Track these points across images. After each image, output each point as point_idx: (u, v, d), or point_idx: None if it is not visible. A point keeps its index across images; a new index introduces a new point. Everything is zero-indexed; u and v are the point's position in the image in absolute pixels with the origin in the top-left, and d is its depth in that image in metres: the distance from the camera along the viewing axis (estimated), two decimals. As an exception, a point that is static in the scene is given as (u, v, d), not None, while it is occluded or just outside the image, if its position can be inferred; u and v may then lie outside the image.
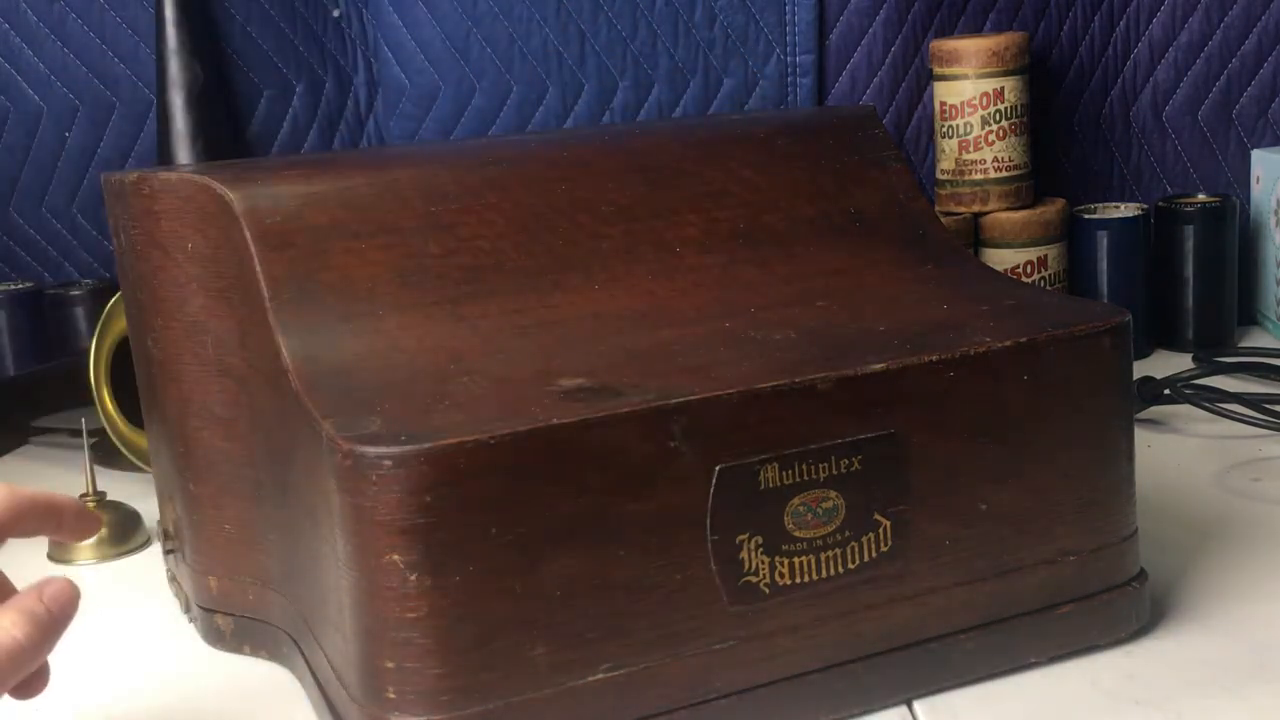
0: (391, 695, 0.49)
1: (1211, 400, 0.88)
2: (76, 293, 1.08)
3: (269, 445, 0.58)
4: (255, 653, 0.64)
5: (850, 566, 0.54)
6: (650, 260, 0.61)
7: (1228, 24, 1.11)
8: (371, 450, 0.47)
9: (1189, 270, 1.06)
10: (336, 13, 1.08)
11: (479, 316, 0.57)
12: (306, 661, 0.59)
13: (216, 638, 0.65)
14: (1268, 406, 0.84)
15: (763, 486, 0.52)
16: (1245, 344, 1.06)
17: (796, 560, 0.53)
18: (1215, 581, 0.65)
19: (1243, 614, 0.62)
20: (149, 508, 0.82)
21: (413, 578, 0.48)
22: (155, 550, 0.79)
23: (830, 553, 0.53)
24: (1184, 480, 0.79)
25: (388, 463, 0.47)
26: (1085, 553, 0.58)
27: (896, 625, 0.55)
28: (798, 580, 0.53)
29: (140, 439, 0.90)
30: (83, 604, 0.72)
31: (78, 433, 0.81)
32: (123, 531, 0.79)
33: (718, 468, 0.51)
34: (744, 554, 0.52)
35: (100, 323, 0.87)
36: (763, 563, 0.52)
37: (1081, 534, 0.58)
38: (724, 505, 0.51)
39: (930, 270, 0.64)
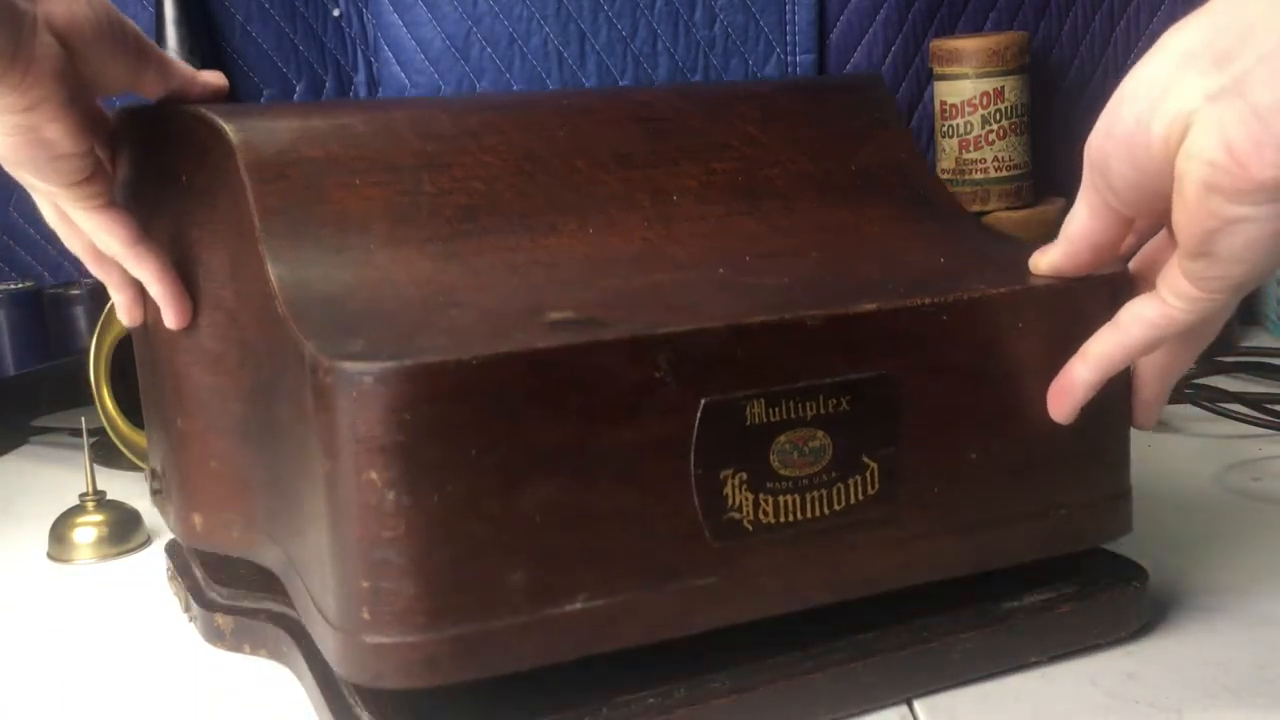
0: (367, 616, 0.48)
1: (1211, 400, 0.88)
2: (76, 293, 1.08)
3: (257, 379, 0.58)
4: (255, 652, 0.64)
5: (836, 508, 0.53)
6: (647, 208, 0.61)
7: (1228, 24, 1.10)
8: (351, 367, 0.47)
9: (1189, 270, 1.06)
10: (336, 12, 1.08)
11: (471, 254, 0.57)
12: (303, 655, 0.59)
13: (216, 637, 0.65)
14: (1268, 406, 0.84)
15: (749, 422, 0.51)
16: (1245, 344, 1.06)
17: (781, 499, 0.52)
18: (1216, 581, 0.65)
19: (1243, 613, 0.62)
20: (149, 507, 0.82)
21: (390, 496, 0.47)
22: (155, 550, 0.79)
23: (816, 493, 0.53)
24: (1184, 480, 0.79)
25: (368, 379, 0.47)
26: (1076, 506, 0.58)
27: (881, 571, 0.55)
28: (782, 519, 0.52)
29: (140, 439, 0.90)
30: (83, 604, 0.72)
31: (78, 433, 0.81)
32: (123, 531, 0.79)
33: (703, 401, 0.50)
34: (728, 490, 0.51)
35: (100, 323, 0.87)
36: (746, 500, 0.52)
37: (1073, 487, 0.57)
38: (709, 439, 0.51)
39: (930, 227, 0.64)
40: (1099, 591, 0.59)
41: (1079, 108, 1.11)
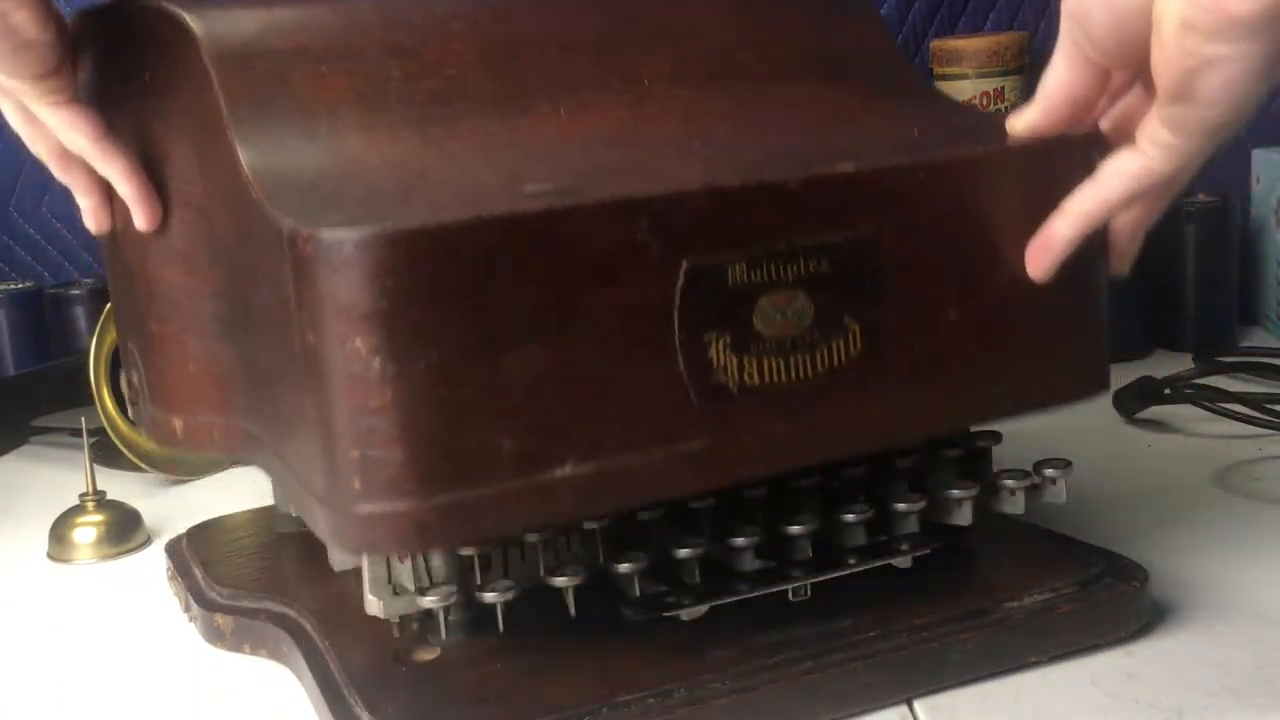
0: (357, 486, 0.48)
1: (1211, 400, 0.88)
2: (76, 293, 1.08)
3: (230, 275, 0.58)
4: (255, 652, 0.64)
5: (820, 369, 0.53)
6: (620, 91, 0.60)
7: (1228, 24, 1.10)
8: (330, 235, 0.47)
9: (1189, 270, 1.06)
10: (336, 12, 1.08)
11: (445, 138, 0.56)
12: (304, 655, 0.59)
13: (216, 637, 0.65)
14: (1268, 406, 0.84)
15: (730, 284, 0.51)
16: (1245, 344, 1.06)
17: (765, 361, 0.52)
18: (1216, 581, 0.65)
19: (1243, 614, 0.62)
20: (149, 507, 0.82)
21: (375, 364, 0.47)
22: (155, 550, 0.79)
23: (799, 355, 0.53)
24: (1184, 480, 0.79)
25: (348, 246, 0.46)
26: (1055, 364, 0.58)
27: (867, 431, 0.55)
28: (767, 381, 0.52)
29: (140, 439, 0.90)
30: (83, 604, 0.72)
31: (78, 433, 0.81)
32: (123, 531, 0.79)
33: (685, 263, 0.50)
34: (712, 353, 0.51)
35: (100, 323, 0.88)
36: (731, 362, 0.52)
37: (1051, 345, 0.58)
38: (692, 302, 0.51)
39: (903, 106, 0.64)
40: (1099, 591, 0.59)
41: (1079, 108, 1.11)
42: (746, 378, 0.52)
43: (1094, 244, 0.57)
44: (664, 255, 0.50)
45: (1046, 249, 0.55)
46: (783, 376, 0.53)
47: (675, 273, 0.50)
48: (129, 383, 0.68)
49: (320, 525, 0.51)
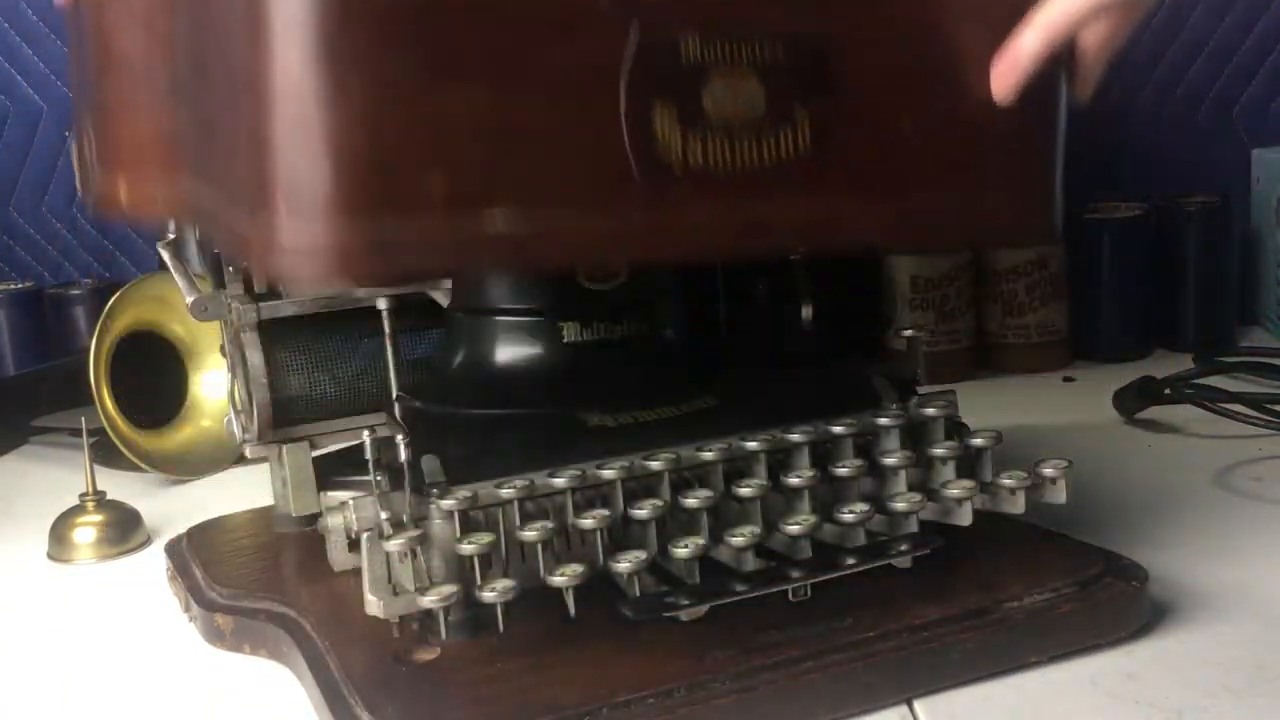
0: (283, 209, 0.48)
1: (1211, 400, 0.88)
2: (76, 293, 1.08)
3: (187, 35, 0.57)
4: (255, 652, 0.64)
5: (766, 159, 0.53)
6: None
7: (1228, 24, 1.11)
8: None
9: (1189, 270, 1.06)
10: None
11: None
12: (304, 655, 0.59)
13: (216, 637, 0.65)
14: (1268, 406, 0.84)
15: (682, 58, 0.51)
16: (1245, 344, 1.07)
17: (711, 141, 0.52)
18: (1216, 581, 0.65)
19: (1243, 614, 0.62)
20: (149, 507, 0.82)
21: (312, 79, 0.47)
22: (155, 550, 0.79)
23: (746, 140, 0.53)
24: (1184, 480, 0.79)
25: None
26: (1004, 197, 0.58)
27: (807, 229, 0.55)
28: (710, 163, 0.52)
29: (140, 439, 0.90)
30: (83, 604, 0.72)
31: (78, 433, 0.81)
32: (123, 531, 0.79)
33: (637, 30, 0.50)
34: (657, 126, 0.51)
35: (100, 323, 0.88)
36: (675, 137, 0.52)
37: (1003, 174, 0.58)
38: (641, 69, 0.51)
39: None
40: (1099, 591, 0.59)
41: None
42: (690, 157, 0.52)
43: (1056, 73, 0.57)
44: (616, 16, 0.50)
45: (1012, 64, 0.56)
46: (727, 160, 0.52)
47: (626, 36, 0.50)
48: (79, 156, 0.67)
49: (250, 253, 0.50)
